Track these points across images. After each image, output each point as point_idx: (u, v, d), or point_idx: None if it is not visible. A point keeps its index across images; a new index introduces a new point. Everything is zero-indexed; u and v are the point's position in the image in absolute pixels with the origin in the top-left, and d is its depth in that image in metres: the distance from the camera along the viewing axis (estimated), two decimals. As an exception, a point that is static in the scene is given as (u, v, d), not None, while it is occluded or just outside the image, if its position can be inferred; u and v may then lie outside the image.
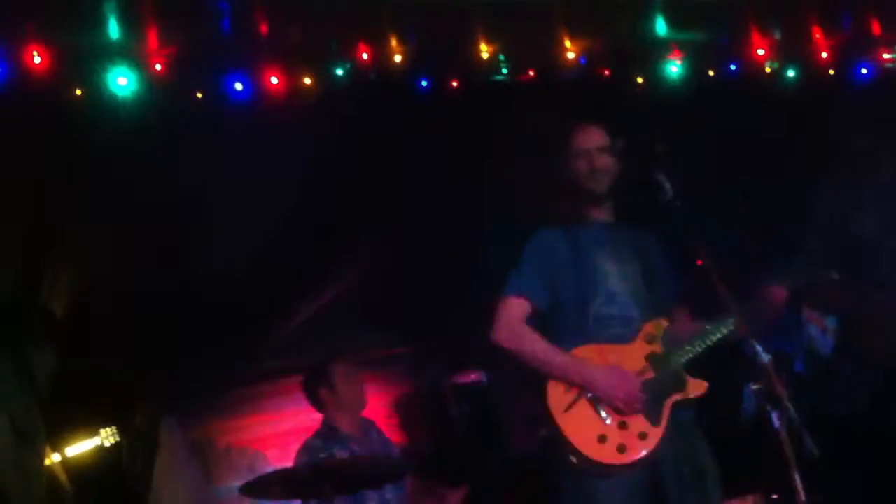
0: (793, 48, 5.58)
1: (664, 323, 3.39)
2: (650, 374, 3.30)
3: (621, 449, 3.18)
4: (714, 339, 3.37)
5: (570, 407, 3.20)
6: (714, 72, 5.47)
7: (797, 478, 2.78)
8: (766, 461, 2.89)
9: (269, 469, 5.35)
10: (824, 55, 5.65)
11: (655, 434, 3.23)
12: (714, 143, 5.21)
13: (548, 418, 3.20)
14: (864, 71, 5.77)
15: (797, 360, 5.33)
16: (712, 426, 3.47)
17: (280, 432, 5.73)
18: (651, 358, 3.33)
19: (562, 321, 3.37)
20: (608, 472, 3.18)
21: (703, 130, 5.17)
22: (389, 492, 4.44)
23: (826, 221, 5.51)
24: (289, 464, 4.66)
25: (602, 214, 3.51)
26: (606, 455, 3.17)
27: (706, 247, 3.02)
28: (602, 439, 3.18)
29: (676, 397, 3.31)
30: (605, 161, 3.44)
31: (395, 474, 4.29)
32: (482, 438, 5.08)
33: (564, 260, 3.40)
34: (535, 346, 3.30)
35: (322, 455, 4.36)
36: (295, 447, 4.64)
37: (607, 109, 3.90)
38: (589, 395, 3.23)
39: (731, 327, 3.33)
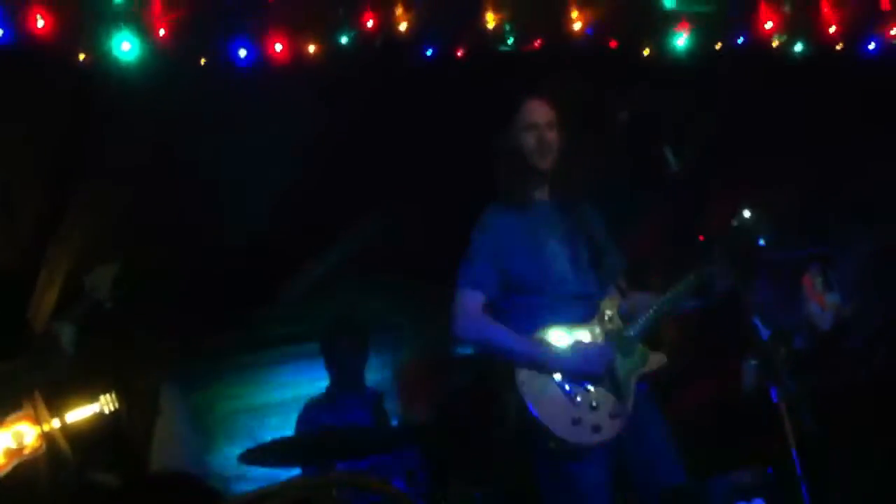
0: (801, 22, 5.54)
1: (617, 300, 3.40)
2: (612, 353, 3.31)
3: (596, 429, 3.20)
4: (665, 308, 3.37)
5: (541, 393, 3.20)
6: (721, 44, 5.43)
7: (795, 452, 2.79)
8: (764, 436, 2.90)
9: (269, 436, 5.39)
10: (832, 29, 5.61)
11: (624, 411, 3.25)
12: (720, 116, 5.18)
13: (521, 407, 3.19)
14: (871, 46, 5.74)
15: (797, 335, 5.34)
16: (712, 400, 3.48)
17: (280, 400, 5.74)
18: (610, 336, 3.33)
19: (519, 306, 3.35)
20: (583, 454, 3.19)
21: (709, 104, 5.14)
22: (389, 461, 4.46)
23: (830, 192, 5.50)
24: (288, 431, 4.68)
25: (544, 195, 3.49)
26: (583, 437, 3.18)
27: (708, 220, 3.01)
28: (577, 422, 3.19)
29: (639, 372, 3.33)
30: (552, 137, 3.42)
31: (394, 444, 4.31)
32: (479, 411, 5.08)
33: (514, 244, 3.37)
34: (497, 334, 3.29)
35: (324, 421, 4.39)
36: (294, 415, 4.66)
37: (555, 83, 3.83)
38: (557, 378, 3.23)
39: (678, 296, 3.34)
